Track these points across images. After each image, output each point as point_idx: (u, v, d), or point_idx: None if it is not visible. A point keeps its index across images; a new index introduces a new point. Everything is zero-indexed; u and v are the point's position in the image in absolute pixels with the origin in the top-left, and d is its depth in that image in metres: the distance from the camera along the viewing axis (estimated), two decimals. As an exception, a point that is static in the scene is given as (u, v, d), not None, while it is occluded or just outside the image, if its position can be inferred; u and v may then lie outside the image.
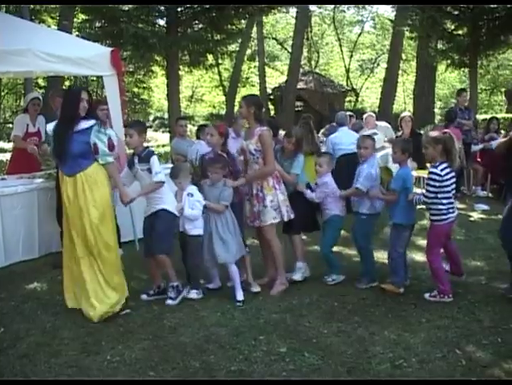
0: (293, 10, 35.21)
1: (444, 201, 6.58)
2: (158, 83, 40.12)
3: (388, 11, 36.67)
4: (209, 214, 6.99)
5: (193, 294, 6.94)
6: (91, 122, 6.30)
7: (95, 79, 32.47)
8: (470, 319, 6.10)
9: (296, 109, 27.99)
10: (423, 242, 8.52)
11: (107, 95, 8.43)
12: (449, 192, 6.62)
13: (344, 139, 10.98)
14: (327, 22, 45.21)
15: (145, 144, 7.01)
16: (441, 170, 6.53)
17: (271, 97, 33.59)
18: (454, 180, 6.71)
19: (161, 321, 6.23)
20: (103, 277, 6.37)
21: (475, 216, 11.24)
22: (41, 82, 27.95)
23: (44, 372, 5.12)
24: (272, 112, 32.69)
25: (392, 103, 29.86)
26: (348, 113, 13.43)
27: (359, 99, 43.87)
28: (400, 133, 13.04)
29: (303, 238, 8.05)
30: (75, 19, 22.51)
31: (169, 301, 6.76)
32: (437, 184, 6.53)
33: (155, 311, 6.51)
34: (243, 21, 22.39)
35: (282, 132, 8.49)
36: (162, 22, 20.01)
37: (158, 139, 40.49)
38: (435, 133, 6.92)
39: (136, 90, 37.37)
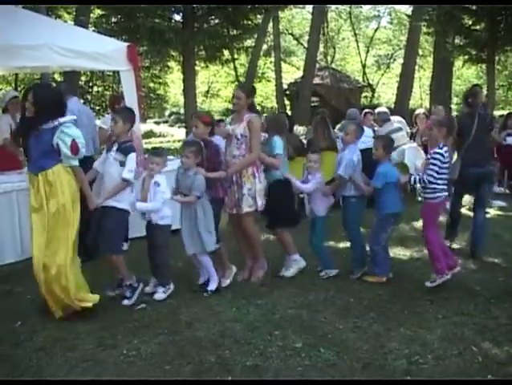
0: (309, 6, 35.17)
1: (440, 181, 6.89)
2: (174, 78, 40.22)
3: (404, 6, 36.48)
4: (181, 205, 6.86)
5: (160, 294, 6.71)
6: (56, 122, 5.99)
7: (111, 73, 32.56)
8: (486, 316, 6.06)
9: (312, 104, 27.91)
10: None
11: (123, 90, 8.44)
12: (445, 173, 6.95)
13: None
14: (343, 17, 45.11)
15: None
16: (445, 152, 6.89)
17: (287, 92, 33.52)
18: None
19: (177, 316, 6.23)
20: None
21: (492, 212, 11.16)
22: (57, 77, 28.04)
23: (60, 365, 5.14)
24: (288, 108, 32.64)
25: (408, 99, 29.72)
26: (366, 110, 13.42)
27: (376, 94, 43.71)
28: (414, 129, 13.00)
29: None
30: (92, 14, 22.58)
31: (125, 301, 6.56)
32: (440, 164, 6.83)
33: (170, 306, 6.52)
34: (259, 16, 22.36)
35: (298, 128, 8.47)
36: (178, 17, 20.07)
37: (174, 134, 40.60)
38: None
39: (151, 85, 37.35)
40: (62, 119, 6.02)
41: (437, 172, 6.83)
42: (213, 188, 6.93)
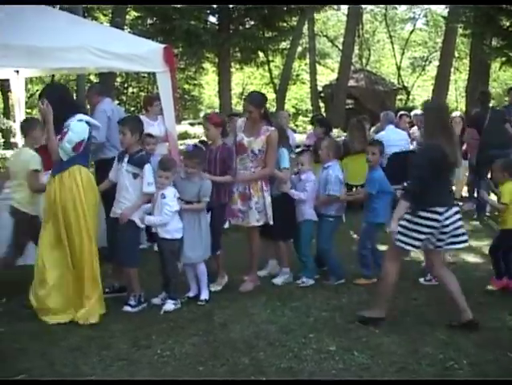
0: (344, 8, 35.11)
1: None
2: (209, 80, 40.34)
3: (440, 8, 36.20)
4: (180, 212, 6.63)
5: (170, 306, 6.48)
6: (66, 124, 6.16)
7: (146, 75, 32.74)
8: (523, 322, 5.98)
9: (347, 107, 27.86)
10: (476, 244, 8.47)
11: (159, 91, 8.46)
12: None
13: (392, 137, 10.89)
14: (378, 19, 44.93)
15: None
16: None
17: (322, 95, 33.46)
18: None
19: (211, 317, 6.25)
20: None
21: None
22: (93, 78, 28.25)
23: (95, 364, 5.17)
24: (323, 110, 32.58)
25: (443, 102, 29.49)
26: (401, 112, 13.33)
27: (410, 97, 43.45)
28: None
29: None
30: (127, 16, 22.75)
31: (127, 308, 6.41)
32: None
33: (205, 307, 6.54)
34: (294, 18, 22.36)
35: (335, 130, 8.44)
36: (214, 19, 20.14)
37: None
38: None
39: (186, 86, 37.56)
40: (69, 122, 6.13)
41: None
42: (220, 192, 6.87)
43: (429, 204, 5.67)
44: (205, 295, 6.72)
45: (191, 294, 6.87)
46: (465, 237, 5.91)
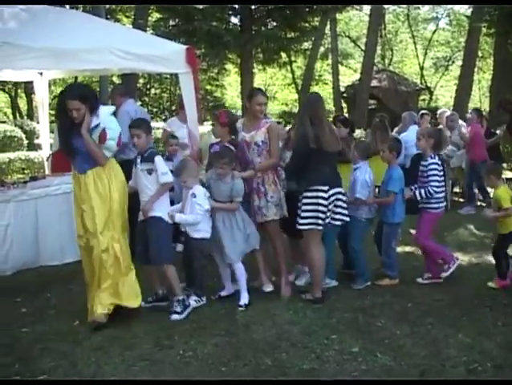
0: (367, 8, 34.99)
1: (441, 190, 7.16)
2: (231, 81, 40.36)
3: (464, 7, 35.95)
4: (213, 212, 6.64)
5: (192, 302, 6.53)
6: (96, 121, 6.05)
7: (168, 76, 32.82)
8: (548, 324, 5.93)
9: (369, 107, 27.73)
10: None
11: (182, 92, 8.48)
12: (443, 181, 7.26)
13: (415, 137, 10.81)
14: (401, 19, 44.70)
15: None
16: (438, 160, 7.17)
17: (344, 95, 33.37)
18: None
19: (234, 317, 6.26)
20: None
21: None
22: (115, 79, 28.37)
23: (118, 364, 5.21)
24: (345, 111, 32.50)
25: (467, 102, 29.24)
26: (423, 111, 13.25)
27: (434, 97, 43.22)
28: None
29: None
30: (150, 18, 22.83)
31: (175, 316, 6.29)
32: (438, 173, 7.11)
33: (227, 308, 6.54)
34: (317, 18, 22.31)
35: (357, 131, 8.41)
36: (236, 19, 20.15)
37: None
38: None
39: (208, 88, 37.60)
40: (99, 119, 6.08)
41: (438, 182, 7.09)
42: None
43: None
44: (244, 299, 6.65)
45: (224, 293, 6.90)
46: None
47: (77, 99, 5.93)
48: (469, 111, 13.34)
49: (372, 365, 5.09)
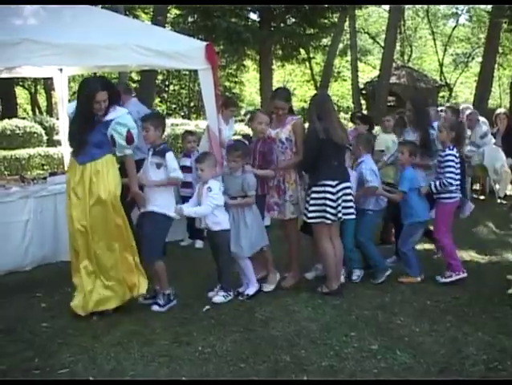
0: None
1: (456, 182, 7.04)
2: (249, 77, 40.39)
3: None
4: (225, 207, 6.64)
5: (220, 298, 6.58)
6: (114, 114, 6.13)
7: (187, 72, 32.90)
8: None
9: (388, 104, 27.68)
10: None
11: (201, 88, 8.49)
12: (459, 173, 7.13)
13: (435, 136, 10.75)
14: (420, 15, 44.55)
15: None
16: (456, 152, 7.10)
17: (363, 92, 33.32)
18: None
19: (252, 314, 6.24)
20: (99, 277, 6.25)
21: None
22: (134, 76, 28.48)
23: (137, 360, 5.20)
24: (364, 107, 32.42)
25: (487, 98, 29.09)
26: (440, 108, 13.15)
27: (453, 94, 43.03)
28: (495, 129, 12.71)
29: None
30: (168, 14, 22.88)
31: (156, 307, 6.37)
32: (455, 164, 7.02)
33: (246, 304, 6.53)
34: (335, 15, 22.27)
35: (376, 128, 8.37)
36: (255, 16, 20.15)
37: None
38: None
39: (227, 84, 37.68)
40: (116, 113, 6.16)
41: (454, 173, 7.00)
42: (258, 184, 6.81)
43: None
44: (249, 290, 6.73)
45: (241, 290, 6.87)
46: None
47: (105, 90, 6.03)
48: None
49: (392, 363, 5.07)
